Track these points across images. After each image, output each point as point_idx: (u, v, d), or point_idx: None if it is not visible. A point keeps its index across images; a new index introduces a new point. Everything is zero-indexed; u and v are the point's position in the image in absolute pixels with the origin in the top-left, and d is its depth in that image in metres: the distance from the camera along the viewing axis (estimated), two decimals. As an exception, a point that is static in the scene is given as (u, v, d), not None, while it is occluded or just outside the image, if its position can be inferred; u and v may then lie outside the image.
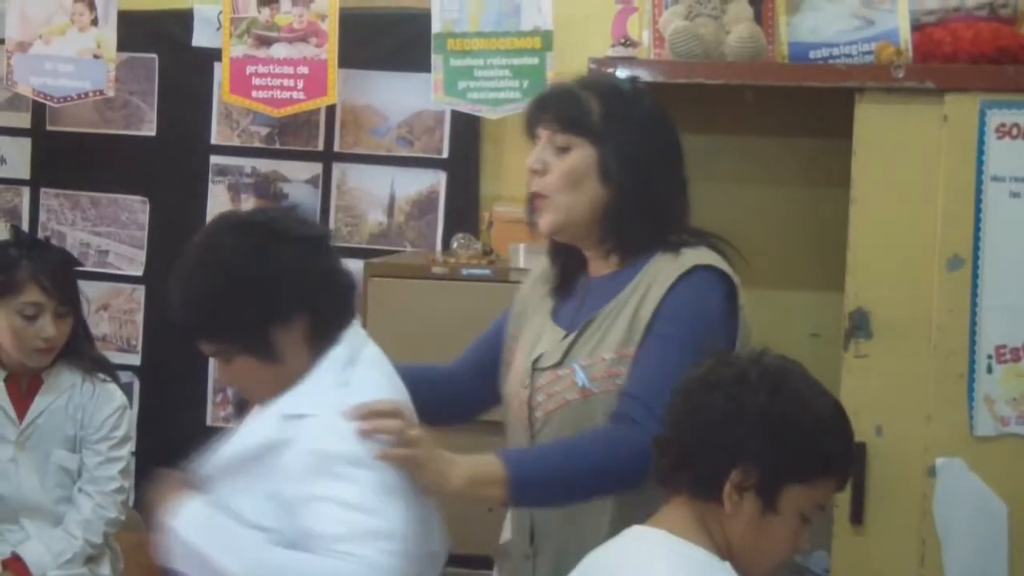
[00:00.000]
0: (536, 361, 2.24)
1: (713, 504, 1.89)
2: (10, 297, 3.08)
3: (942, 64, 3.03)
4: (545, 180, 2.20)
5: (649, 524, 1.96)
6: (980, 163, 2.90)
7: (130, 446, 3.24)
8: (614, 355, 2.16)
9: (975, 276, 2.90)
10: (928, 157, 2.93)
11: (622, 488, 2.12)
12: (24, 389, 3.18)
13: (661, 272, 2.20)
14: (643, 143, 2.24)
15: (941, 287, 2.90)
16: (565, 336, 2.23)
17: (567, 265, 2.32)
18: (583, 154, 2.19)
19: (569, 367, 2.19)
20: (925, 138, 2.94)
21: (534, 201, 2.24)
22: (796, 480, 1.87)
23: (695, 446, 1.91)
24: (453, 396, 2.42)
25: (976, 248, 2.89)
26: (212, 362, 3.97)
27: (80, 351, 3.22)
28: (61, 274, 3.15)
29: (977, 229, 2.90)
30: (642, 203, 2.22)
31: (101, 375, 3.24)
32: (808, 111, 3.38)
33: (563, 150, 2.20)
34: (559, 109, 2.22)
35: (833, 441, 1.92)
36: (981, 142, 2.90)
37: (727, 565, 1.88)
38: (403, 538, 1.86)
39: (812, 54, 3.19)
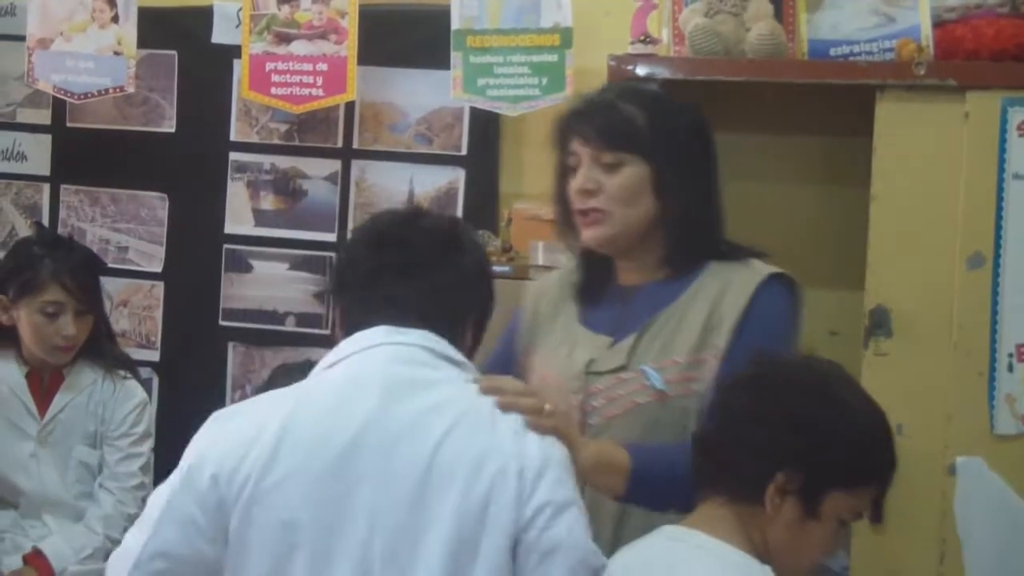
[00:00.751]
0: (589, 365, 2.21)
1: (753, 506, 1.88)
2: (32, 295, 3.09)
3: (963, 61, 3.02)
4: (601, 198, 2.18)
5: (686, 524, 1.95)
6: (1002, 161, 2.89)
7: (150, 442, 3.25)
8: (688, 359, 2.15)
9: (996, 274, 2.88)
10: (949, 155, 2.92)
11: None
12: (45, 385, 3.19)
13: (734, 279, 2.19)
14: (692, 152, 2.23)
15: (962, 285, 2.89)
16: (614, 342, 2.21)
17: (596, 273, 2.31)
18: (636, 171, 2.17)
19: (636, 370, 2.16)
20: (946, 136, 2.93)
21: (587, 215, 2.20)
22: (839, 487, 1.87)
23: (740, 448, 1.90)
24: None
25: (997, 246, 2.88)
26: (230, 358, 4.00)
27: (101, 349, 3.23)
28: (83, 274, 3.16)
29: (998, 227, 2.89)
30: (696, 213, 2.23)
31: (122, 372, 3.25)
32: (828, 109, 3.38)
33: (613, 167, 2.17)
34: (604, 125, 2.19)
35: (879, 449, 1.92)
36: (1003, 140, 2.89)
37: (767, 569, 1.88)
38: None
39: (832, 51, 3.18)
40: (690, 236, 2.22)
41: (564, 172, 2.25)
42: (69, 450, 3.18)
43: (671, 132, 2.20)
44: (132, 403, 3.23)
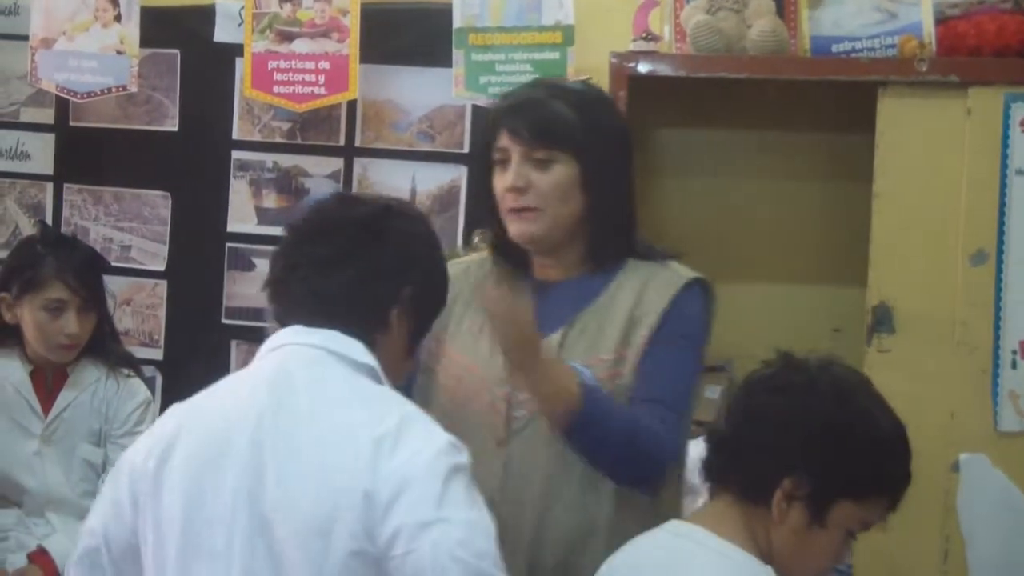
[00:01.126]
0: None
1: (760, 508, 1.88)
2: (35, 293, 3.10)
3: (966, 57, 3.02)
4: (531, 196, 2.16)
5: (692, 521, 1.95)
6: (1004, 157, 2.90)
7: None
8: (613, 356, 2.15)
9: (999, 271, 2.89)
10: (952, 151, 2.93)
11: (639, 474, 2.11)
12: (49, 383, 3.19)
13: (654, 280, 2.21)
14: (618, 152, 2.24)
15: (965, 282, 2.89)
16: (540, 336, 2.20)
17: (512, 265, 2.29)
18: (566, 169, 2.17)
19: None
20: (949, 132, 2.93)
21: (519, 212, 2.19)
22: (849, 497, 1.86)
23: (751, 448, 1.89)
24: None
25: (1000, 243, 2.88)
26: (233, 356, 4.00)
27: (105, 347, 3.23)
28: (86, 272, 3.16)
29: (1001, 223, 2.89)
30: (619, 210, 2.24)
31: (125, 370, 3.25)
32: (830, 105, 3.38)
33: (543, 163, 2.16)
34: (536, 122, 2.17)
35: (893, 462, 1.90)
36: (1005, 136, 2.90)
37: (769, 570, 1.87)
38: None
39: (835, 48, 3.18)
40: (614, 233, 2.23)
41: (489, 166, 2.24)
42: (73, 448, 3.18)
43: (600, 131, 2.20)
44: (136, 401, 3.23)
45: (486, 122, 2.28)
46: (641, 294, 2.18)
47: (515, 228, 2.20)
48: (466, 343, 2.27)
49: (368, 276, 1.89)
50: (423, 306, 1.97)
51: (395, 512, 1.69)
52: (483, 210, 2.31)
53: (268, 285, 1.95)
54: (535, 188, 2.16)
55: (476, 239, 3.64)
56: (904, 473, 1.92)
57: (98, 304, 3.20)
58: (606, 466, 2.09)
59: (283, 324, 1.92)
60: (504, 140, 2.19)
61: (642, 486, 2.14)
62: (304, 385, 1.81)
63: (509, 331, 1.95)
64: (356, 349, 1.86)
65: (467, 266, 2.35)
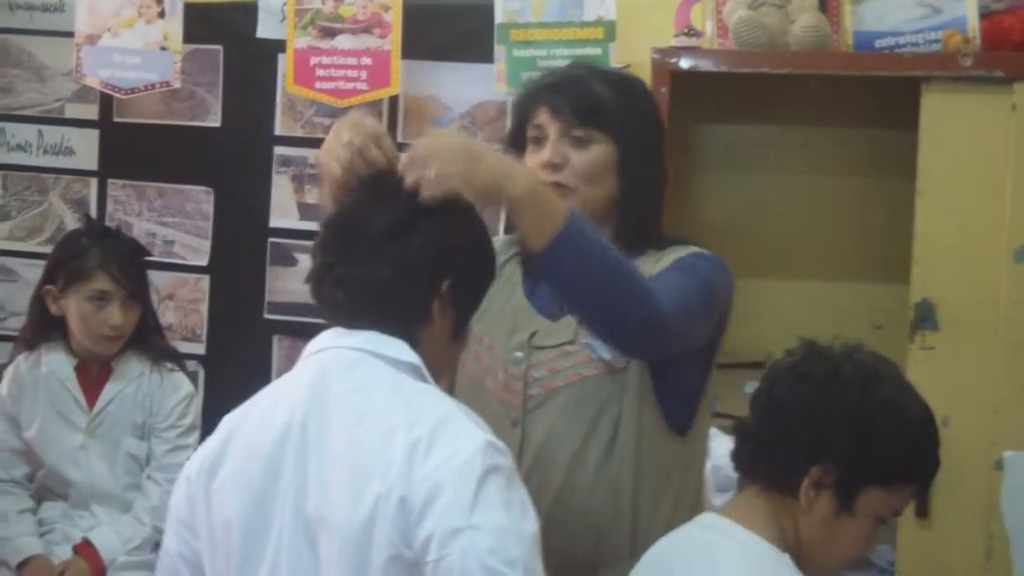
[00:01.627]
0: (532, 338, 2.20)
1: (787, 497, 1.88)
2: (80, 284, 3.14)
3: (1011, 52, 3.00)
4: (566, 173, 2.15)
5: (721, 512, 1.96)
6: (1049, 153, 2.87)
7: (197, 434, 3.27)
8: None
9: (1044, 267, 2.86)
10: (996, 147, 2.91)
11: (626, 321, 1.97)
12: (94, 377, 3.22)
13: (670, 254, 2.19)
14: (654, 140, 2.24)
15: (1009, 278, 2.87)
16: (558, 318, 2.20)
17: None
18: (603, 149, 2.16)
19: (581, 343, 2.16)
20: (993, 127, 2.91)
21: (552, 189, 2.12)
22: (876, 483, 1.85)
23: (776, 438, 1.89)
24: None
25: (1045, 239, 2.86)
26: (275, 350, 4.02)
27: (148, 340, 3.26)
28: (129, 263, 3.20)
29: (1046, 220, 2.87)
30: (649, 199, 2.23)
31: (168, 364, 3.28)
32: (873, 101, 3.36)
33: (582, 142, 2.15)
34: (577, 99, 2.17)
35: (920, 447, 1.88)
36: (1051, 131, 2.87)
37: (786, 558, 1.87)
38: None
39: (878, 43, 3.17)
40: (642, 221, 2.22)
41: (521, 144, 2.22)
42: (117, 442, 3.21)
43: (638, 116, 2.19)
44: (179, 395, 3.26)
45: (520, 100, 2.26)
46: (655, 266, 2.16)
47: None
48: (491, 322, 2.25)
49: (404, 274, 1.85)
50: (467, 293, 1.93)
51: (428, 518, 1.69)
52: None
53: (309, 283, 1.94)
54: (571, 166, 2.15)
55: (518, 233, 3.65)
56: (931, 458, 1.90)
57: (142, 296, 3.23)
58: (589, 304, 1.96)
59: (327, 323, 1.92)
60: (542, 117, 2.18)
61: (633, 343, 2.03)
62: (344, 391, 1.80)
63: (435, 148, 1.82)
64: (397, 347, 1.85)
65: (501, 243, 2.33)
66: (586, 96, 2.17)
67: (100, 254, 3.17)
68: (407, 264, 1.85)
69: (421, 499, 1.69)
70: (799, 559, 1.88)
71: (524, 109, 2.23)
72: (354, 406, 1.79)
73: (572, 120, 2.16)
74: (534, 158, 2.18)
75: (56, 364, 3.20)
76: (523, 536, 1.69)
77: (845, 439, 1.83)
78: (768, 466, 1.91)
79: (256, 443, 1.82)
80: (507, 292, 2.29)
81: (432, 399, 1.82)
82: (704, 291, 2.11)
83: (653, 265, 2.17)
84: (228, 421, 1.90)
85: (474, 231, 1.95)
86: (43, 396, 3.18)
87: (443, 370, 1.98)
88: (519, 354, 2.20)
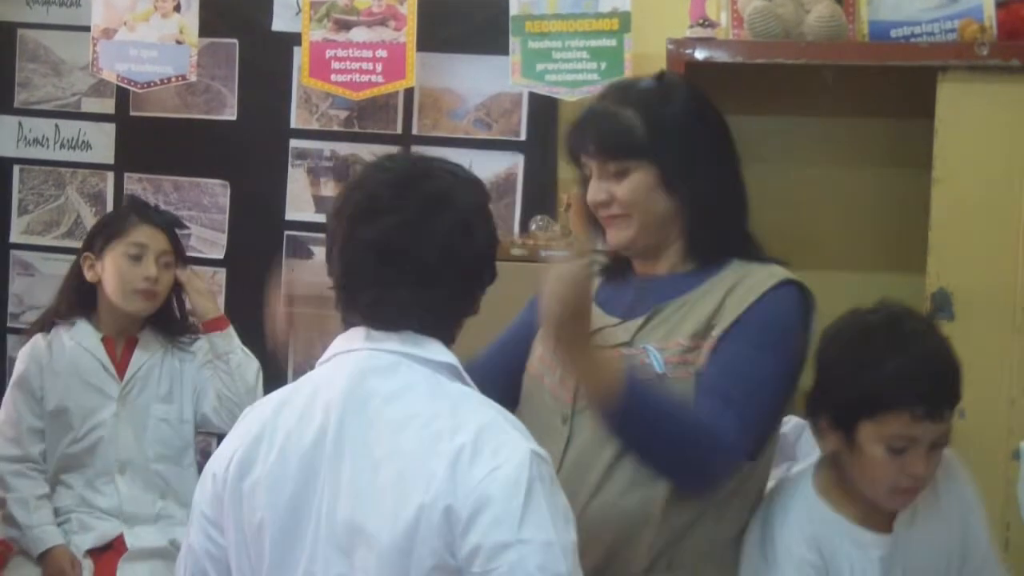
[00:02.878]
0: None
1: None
2: (119, 239, 3.21)
3: (1027, 41, 2.99)
4: (615, 206, 2.17)
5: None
6: (1066, 142, 2.87)
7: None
8: (690, 342, 2.12)
9: (1060, 257, 2.86)
10: (1012, 136, 2.90)
11: (690, 474, 2.05)
12: (119, 351, 3.27)
13: (751, 276, 2.17)
14: (694, 142, 2.19)
15: (1025, 268, 2.87)
16: (622, 321, 2.19)
17: (620, 259, 2.29)
18: (641, 175, 2.15)
19: (639, 348, 2.15)
20: (1009, 117, 2.90)
21: (609, 220, 2.19)
22: (864, 416, 2.04)
23: (810, 399, 2.14)
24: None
25: (1062, 228, 2.86)
26: (292, 343, 4.03)
27: (171, 320, 3.30)
28: (168, 228, 3.29)
29: (1063, 209, 2.86)
30: (713, 205, 2.20)
31: (187, 338, 3.33)
32: (889, 90, 3.36)
33: (619, 174, 2.16)
34: (603, 137, 2.17)
35: (878, 376, 2.04)
36: (1067, 121, 2.87)
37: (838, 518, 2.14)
38: None
39: (893, 33, 3.16)
40: (710, 226, 2.20)
41: (584, 181, 2.24)
42: (147, 408, 3.26)
43: (668, 129, 2.16)
44: (203, 353, 3.31)
45: (566, 143, 2.28)
46: (732, 290, 2.15)
47: (610, 237, 2.21)
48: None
49: (458, 286, 1.86)
50: (478, 285, 1.92)
51: (475, 530, 1.68)
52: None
53: (334, 291, 1.91)
54: (617, 199, 2.16)
55: (533, 226, 3.65)
56: (899, 382, 2.03)
57: (177, 259, 3.27)
58: (652, 464, 2.04)
59: (342, 316, 1.89)
60: (584, 157, 2.21)
61: (696, 487, 2.08)
62: (384, 395, 1.78)
63: (560, 305, 1.89)
64: (434, 349, 1.84)
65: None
66: (610, 131, 2.17)
67: (141, 213, 3.28)
68: (460, 275, 1.86)
69: (468, 510, 1.68)
70: (860, 493, 2.12)
71: (571, 151, 2.25)
72: (394, 412, 1.77)
73: (603, 157, 2.17)
74: (588, 196, 2.21)
75: (82, 336, 3.25)
76: (567, 548, 1.70)
77: (825, 383, 2.12)
78: (814, 427, 2.16)
79: (290, 445, 1.80)
80: None
81: (474, 404, 1.81)
82: (779, 391, 2.11)
83: (732, 287, 2.14)
84: (258, 417, 1.87)
85: (484, 230, 1.94)
86: (67, 369, 3.21)
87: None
88: None
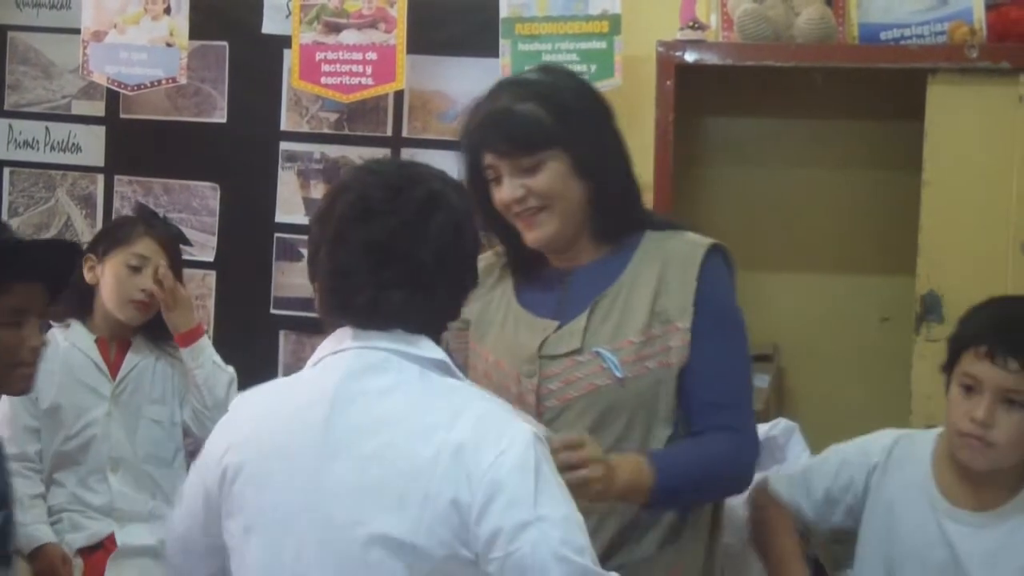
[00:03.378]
0: (542, 348, 2.19)
1: None
2: (122, 247, 3.22)
3: (1017, 43, 2.99)
4: (532, 198, 2.16)
5: None
6: (1056, 144, 2.87)
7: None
8: (641, 337, 2.14)
9: (1050, 259, 2.86)
10: (1002, 138, 2.91)
11: (730, 494, 2.29)
12: (112, 352, 3.27)
13: (674, 248, 2.20)
14: (598, 126, 2.22)
15: (1015, 270, 2.87)
16: (560, 324, 2.20)
17: (530, 253, 2.27)
18: (557, 164, 2.15)
19: (591, 352, 2.16)
20: (999, 119, 2.91)
21: (526, 216, 2.18)
22: (955, 358, 2.22)
23: None
24: None
25: (1052, 231, 2.86)
26: (282, 346, 4.02)
27: (163, 326, 3.29)
28: (172, 243, 3.31)
29: (1053, 211, 2.86)
30: (619, 182, 2.22)
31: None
32: (879, 93, 3.36)
33: (532, 168, 2.15)
34: (512, 134, 2.16)
35: (969, 319, 2.26)
36: (1057, 123, 2.87)
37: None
38: None
39: (883, 35, 3.17)
40: (618, 207, 2.22)
41: (479, 184, 2.21)
42: (139, 409, 3.27)
43: (573, 115, 2.17)
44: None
45: (464, 146, 2.24)
46: (663, 273, 2.17)
47: (530, 236, 2.19)
48: (494, 339, 2.27)
49: (449, 284, 1.87)
50: (463, 287, 1.93)
51: (490, 515, 1.68)
52: (491, 226, 2.26)
53: (313, 275, 1.90)
54: (534, 192, 2.15)
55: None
56: (973, 327, 2.22)
57: (176, 273, 3.27)
58: (702, 503, 2.21)
59: (326, 317, 1.88)
60: (489, 159, 2.18)
61: (735, 493, 2.31)
62: (373, 392, 1.78)
63: (584, 491, 1.93)
64: (424, 345, 1.83)
65: (490, 257, 2.34)
66: (518, 125, 2.15)
67: (146, 227, 3.28)
68: (452, 277, 1.86)
69: (480, 498, 1.69)
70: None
71: (471, 155, 2.22)
72: (388, 407, 1.77)
73: (515, 154, 2.15)
74: (499, 195, 2.18)
75: (77, 337, 3.26)
76: (582, 524, 1.73)
77: None
78: None
79: (281, 447, 1.79)
80: (504, 306, 2.29)
81: (467, 395, 1.81)
82: (750, 368, 2.27)
83: (663, 264, 2.18)
84: (246, 416, 1.88)
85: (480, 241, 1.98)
86: (62, 368, 3.21)
87: None
88: (530, 367, 2.19)
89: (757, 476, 2.34)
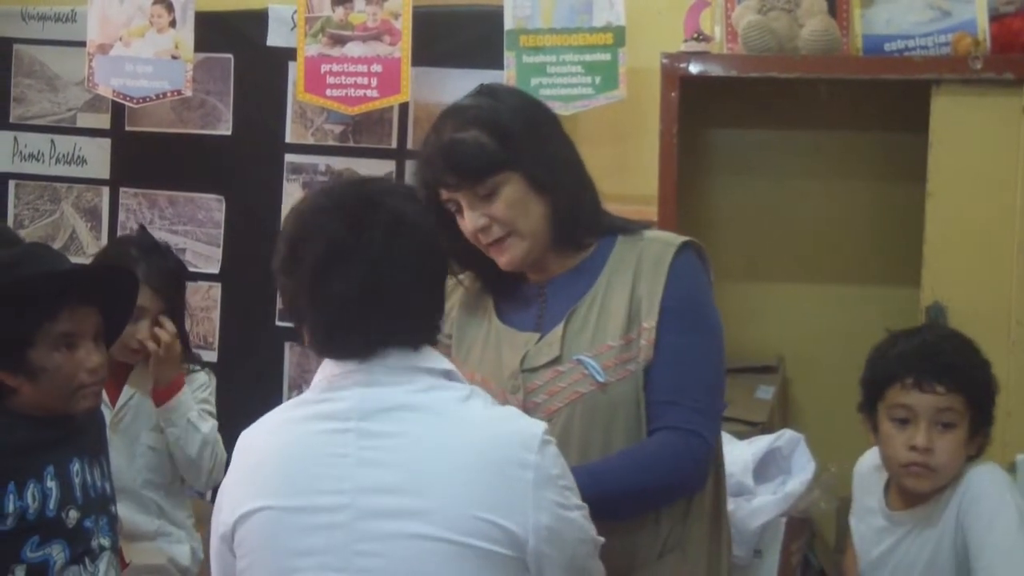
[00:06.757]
0: (524, 362, 2.18)
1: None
2: None
3: (1021, 55, 2.99)
4: (496, 227, 2.14)
5: None
6: (1060, 155, 2.87)
7: (215, 423, 3.26)
8: (621, 341, 2.14)
9: (1055, 270, 2.86)
10: (1007, 149, 2.91)
11: (674, 498, 2.17)
12: (113, 378, 3.24)
13: (645, 249, 2.19)
14: (541, 134, 2.20)
15: (1019, 281, 2.87)
16: (541, 336, 2.19)
17: (501, 279, 2.27)
18: (511, 186, 2.13)
19: (572, 361, 2.15)
20: (1003, 130, 2.91)
21: (495, 243, 2.16)
22: (877, 399, 2.39)
23: None
24: None
25: (1056, 242, 2.86)
26: (287, 358, 4.02)
27: None
28: (171, 283, 3.18)
29: (1057, 222, 2.86)
30: (577, 189, 2.21)
31: (188, 365, 3.28)
32: (883, 104, 3.36)
33: (489, 195, 2.14)
34: (459, 166, 2.13)
35: (881, 357, 2.42)
36: (1061, 134, 2.87)
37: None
38: None
39: (887, 47, 3.17)
40: (584, 210, 2.21)
41: (445, 218, 2.18)
42: (137, 436, 3.23)
43: (517, 133, 2.15)
44: (198, 384, 3.26)
45: (418, 183, 2.20)
46: (637, 274, 2.17)
47: (503, 261, 2.18)
48: (476, 358, 2.26)
49: (436, 295, 1.90)
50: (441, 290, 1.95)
51: (527, 513, 1.72)
52: (463, 257, 2.25)
53: (292, 314, 1.90)
54: (497, 219, 2.14)
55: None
56: (883, 365, 2.40)
57: (176, 315, 3.23)
58: (646, 512, 2.15)
59: (320, 346, 1.86)
60: (444, 193, 2.17)
61: (683, 496, 2.18)
62: (391, 407, 1.78)
63: None
64: (429, 357, 1.84)
65: (456, 282, 2.33)
66: (462, 155, 2.13)
67: (146, 269, 3.13)
68: (435, 284, 1.89)
69: (516, 497, 1.73)
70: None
71: (427, 191, 2.18)
72: (407, 423, 1.77)
73: (466, 184, 2.14)
74: (464, 225, 2.17)
75: None
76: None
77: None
78: None
79: (286, 486, 1.78)
80: (484, 325, 2.28)
81: (481, 401, 1.83)
82: (720, 363, 2.20)
83: (636, 266, 2.17)
84: (257, 450, 1.86)
85: (428, 238, 1.92)
86: None
87: None
88: (514, 382, 2.19)
89: (763, 487, 2.34)
